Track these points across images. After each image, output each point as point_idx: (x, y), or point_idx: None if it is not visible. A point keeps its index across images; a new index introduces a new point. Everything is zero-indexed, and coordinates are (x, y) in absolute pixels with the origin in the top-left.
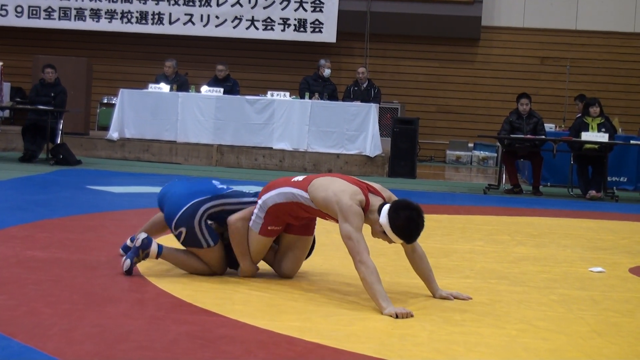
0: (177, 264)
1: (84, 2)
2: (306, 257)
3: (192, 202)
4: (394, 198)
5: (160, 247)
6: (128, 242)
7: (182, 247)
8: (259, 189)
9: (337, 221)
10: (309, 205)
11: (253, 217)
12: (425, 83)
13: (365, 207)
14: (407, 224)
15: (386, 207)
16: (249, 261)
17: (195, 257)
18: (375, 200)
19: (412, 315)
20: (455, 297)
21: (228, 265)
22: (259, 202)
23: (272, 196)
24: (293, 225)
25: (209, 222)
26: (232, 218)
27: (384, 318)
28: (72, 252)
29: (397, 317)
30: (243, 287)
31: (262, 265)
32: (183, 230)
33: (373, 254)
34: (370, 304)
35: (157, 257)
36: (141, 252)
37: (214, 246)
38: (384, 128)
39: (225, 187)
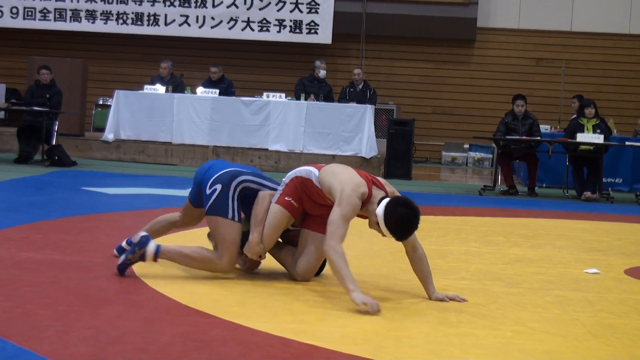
0: (180, 260)
1: (80, 3)
2: (317, 274)
3: (234, 169)
4: (397, 192)
5: (158, 246)
6: (124, 243)
7: (185, 246)
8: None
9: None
10: (316, 185)
11: (275, 194)
12: (420, 84)
13: (367, 200)
14: (400, 221)
15: (386, 200)
16: (259, 233)
17: (202, 249)
18: (378, 193)
19: (378, 310)
20: (451, 299)
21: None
22: (288, 174)
23: (295, 171)
24: (312, 219)
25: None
26: (263, 192)
27: (379, 321)
28: (67, 253)
29: (363, 305)
30: (238, 288)
31: (260, 269)
32: (218, 187)
33: (369, 256)
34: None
35: (155, 258)
36: (137, 249)
37: (236, 223)
38: (379, 129)
39: (253, 169)
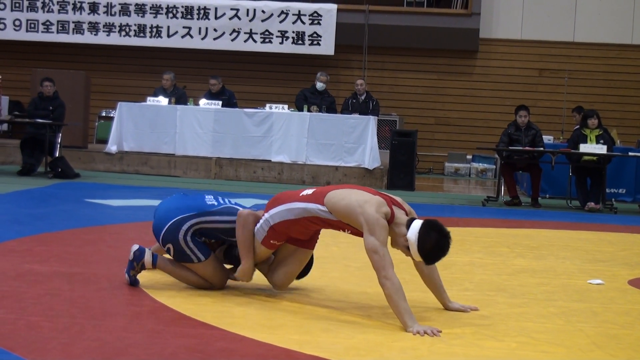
0: (173, 276)
1: (82, 16)
2: (304, 275)
3: (176, 218)
4: (413, 212)
5: (154, 256)
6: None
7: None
8: (258, 201)
9: (354, 232)
10: (328, 218)
11: (258, 226)
12: (423, 95)
13: (391, 219)
14: (435, 248)
15: (418, 223)
16: (251, 261)
17: (191, 270)
18: (400, 213)
19: (439, 333)
20: (472, 310)
21: (227, 275)
22: (265, 215)
23: (279, 212)
24: (296, 239)
25: (198, 238)
26: (244, 211)
27: (384, 332)
28: (70, 265)
29: (423, 335)
30: (242, 300)
31: (261, 278)
32: (170, 246)
33: (366, 266)
34: (370, 317)
35: (153, 267)
36: (136, 264)
37: (206, 260)
38: (382, 140)
39: (216, 202)
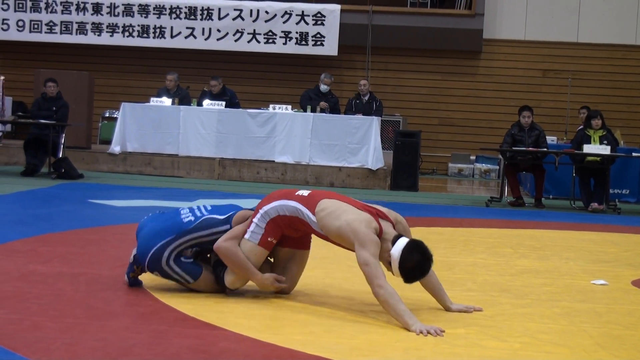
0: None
1: (86, 16)
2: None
3: (157, 247)
4: (400, 219)
5: None
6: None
7: None
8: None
9: (345, 247)
10: (316, 230)
11: (251, 228)
12: (427, 96)
13: (379, 234)
14: (414, 268)
15: (402, 242)
16: (257, 276)
17: None
18: (387, 227)
19: (442, 333)
20: (475, 310)
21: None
22: (260, 211)
23: (275, 207)
24: (289, 239)
25: (185, 257)
26: (218, 243)
27: (387, 332)
28: (74, 266)
29: (427, 334)
30: (245, 301)
31: None
32: (157, 273)
33: None
34: (374, 317)
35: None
36: (136, 267)
37: (198, 279)
38: (386, 141)
39: (193, 218)
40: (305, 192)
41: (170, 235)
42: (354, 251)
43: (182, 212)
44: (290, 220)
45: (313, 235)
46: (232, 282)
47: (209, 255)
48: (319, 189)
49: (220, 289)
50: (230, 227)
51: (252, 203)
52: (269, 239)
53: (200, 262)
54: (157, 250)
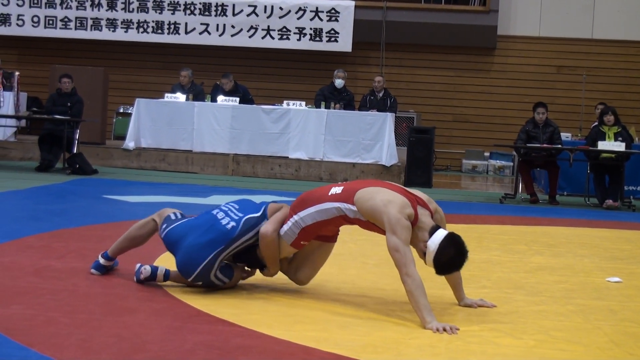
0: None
1: (100, 12)
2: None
3: (208, 259)
4: (439, 209)
5: (167, 272)
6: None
7: None
8: (275, 199)
9: (383, 232)
10: (357, 218)
11: (286, 228)
12: (441, 92)
13: (414, 222)
14: (449, 263)
15: (441, 234)
16: (278, 267)
17: None
18: (424, 217)
19: (457, 330)
20: (479, 305)
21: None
22: (295, 217)
23: (310, 214)
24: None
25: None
26: (266, 230)
27: (401, 329)
28: (88, 261)
29: (442, 331)
30: (259, 297)
31: (278, 275)
32: (201, 282)
33: (390, 264)
34: (387, 314)
35: (164, 280)
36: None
37: (231, 281)
38: (400, 137)
39: (235, 223)
40: (338, 189)
41: (220, 246)
42: (384, 234)
43: (218, 216)
44: (330, 222)
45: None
46: (269, 274)
47: None
48: (352, 181)
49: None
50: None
51: (266, 199)
52: (301, 242)
53: (229, 262)
54: (208, 262)
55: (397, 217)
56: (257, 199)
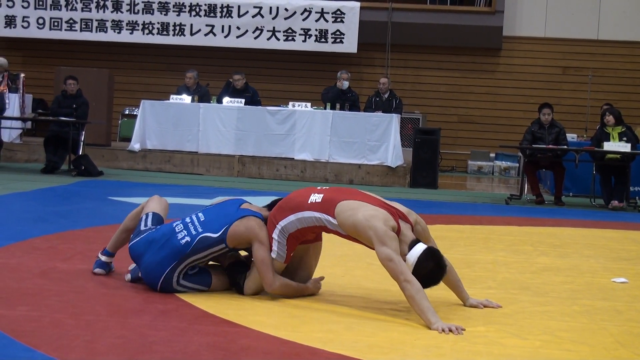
0: None
1: (106, 14)
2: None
3: (164, 275)
4: (419, 220)
5: None
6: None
7: None
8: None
9: (363, 244)
10: (337, 231)
11: (275, 247)
12: (446, 93)
13: (397, 234)
14: (428, 276)
15: (420, 248)
16: (309, 288)
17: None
18: (405, 229)
19: (463, 331)
20: (485, 306)
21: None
22: (278, 226)
23: (292, 222)
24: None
25: (190, 271)
26: (272, 289)
27: (407, 330)
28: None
29: (448, 332)
30: (265, 298)
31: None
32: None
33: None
34: (393, 315)
35: None
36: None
37: (211, 286)
38: (405, 138)
39: (189, 238)
40: (318, 197)
41: (173, 262)
42: (371, 248)
43: (176, 229)
44: (311, 229)
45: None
46: (253, 290)
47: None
48: (332, 187)
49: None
50: (226, 246)
51: (266, 201)
52: (291, 255)
53: (207, 268)
54: (165, 277)
55: (384, 229)
56: (262, 200)
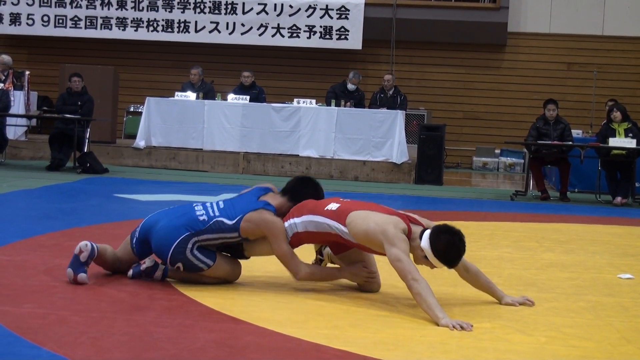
0: (187, 279)
1: (110, 11)
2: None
3: (181, 238)
4: (432, 225)
5: (165, 269)
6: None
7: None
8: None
9: (375, 252)
10: (348, 240)
11: (287, 225)
12: (451, 89)
13: (408, 236)
14: (447, 248)
15: (427, 231)
16: (349, 270)
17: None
18: (416, 229)
19: (471, 327)
20: (520, 304)
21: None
22: (290, 221)
23: (303, 222)
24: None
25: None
26: (299, 277)
27: (412, 326)
28: None
29: (454, 328)
30: (270, 295)
31: (286, 274)
32: (180, 264)
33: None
34: (399, 312)
35: (162, 280)
36: (144, 275)
37: (214, 264)
38: (410, 135)
39: (206, 217)
40: (334, 206)
41: (189, 230)
42: (382, 254)
43: (196, 208)
44: (319, 235)
45: None
46: (251, 254)
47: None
48: (352, 200)
49: (231, 279)
50: (239, 235)
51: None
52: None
53: (215, 250)
54: (182, 242)
55: (394, 232)
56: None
